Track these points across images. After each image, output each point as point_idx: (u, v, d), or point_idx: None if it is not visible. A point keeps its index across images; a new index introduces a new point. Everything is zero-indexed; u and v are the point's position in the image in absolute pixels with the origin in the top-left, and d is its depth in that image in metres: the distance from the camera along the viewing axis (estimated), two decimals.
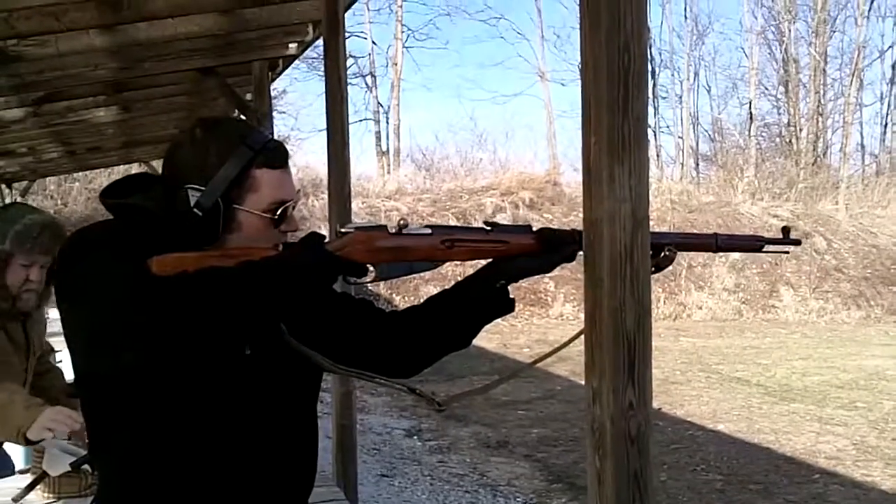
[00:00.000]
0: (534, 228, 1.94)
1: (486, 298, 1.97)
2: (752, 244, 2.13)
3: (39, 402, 2.93)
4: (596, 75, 1.88)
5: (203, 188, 1.67)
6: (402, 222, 1.81)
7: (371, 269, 1.82)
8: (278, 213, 1.75)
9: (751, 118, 33.67)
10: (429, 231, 1.83)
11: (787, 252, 2.19)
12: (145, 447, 1.69)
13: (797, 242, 2.15)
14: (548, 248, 1.89)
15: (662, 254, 1.92)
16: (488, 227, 1.89)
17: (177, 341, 1.51)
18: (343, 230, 1.79)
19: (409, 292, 19.41)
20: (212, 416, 1.71)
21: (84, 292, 1.58)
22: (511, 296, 1.98)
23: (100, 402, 1.72)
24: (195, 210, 1.67)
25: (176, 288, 1.53)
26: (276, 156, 1.76)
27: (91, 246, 1.63)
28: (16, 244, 3.06)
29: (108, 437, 1.73)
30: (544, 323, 18.77)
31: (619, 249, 1.84)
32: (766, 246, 2.12)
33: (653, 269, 1.92)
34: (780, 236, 2.11)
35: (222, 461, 1.73)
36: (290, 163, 1.85)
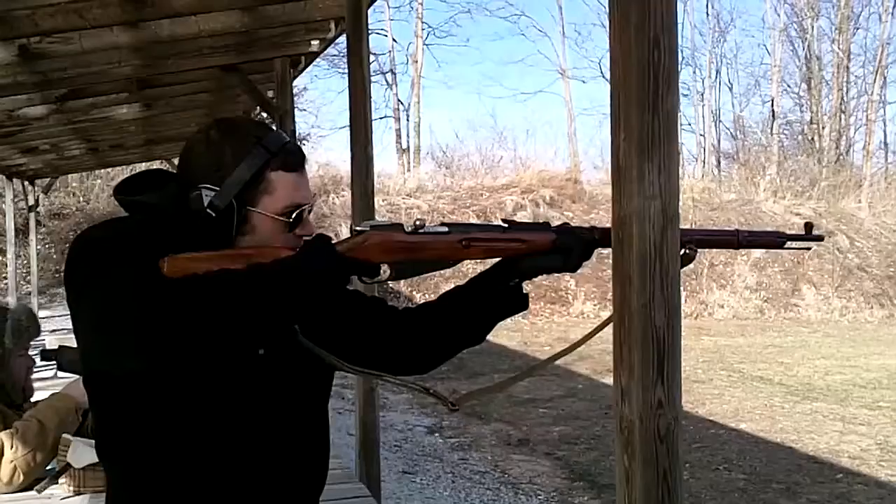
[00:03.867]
0: (552, 225, 1.92)
1: (500, 295, 1.96)
2: (775, 240, 2.10)
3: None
4: (625, 70, 1.86)
5: (217, 189, 1.65)
6: (418, 222, 1.79)
7: (385, 268, 1.79)
8: (293, 216, 1.72)
9: (773, 116, 33.51)
10: (445, 230, 1.80)
11: (809, 248, 2.17)
12: (156, 448, 1.67)
13: (820, 238, 2.12)
14: (565, 248, 1.87)
15: (683, 251, 1.90)
16: (506, 225, 1.87)
17: (183, 342, 1.49)
18: (359, 228, 1.76)
19: (429, 289, 19.40)
20: (224, 417, 1.70)
21: (89, 291, 1.55)
22: (525, 292, 1.97)
23: (109, 402, 1.70)
24: (209, 211, 1.65)
25: (184, 290, 1.51)
26: (293, 158, 1.74)
27: (96, 244, 1.62)
28: (14, 339, 3.26)
29: (117, 437, 1.71)
30: (565, 321, 18.73)
31: (649, 247, 1.82)
32: (788, 242, 2.09)
33: None
34: (803, 232, 2.09)
35: (234, 461, 1.72)
36: (308, 164, 1.82)
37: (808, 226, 2.09)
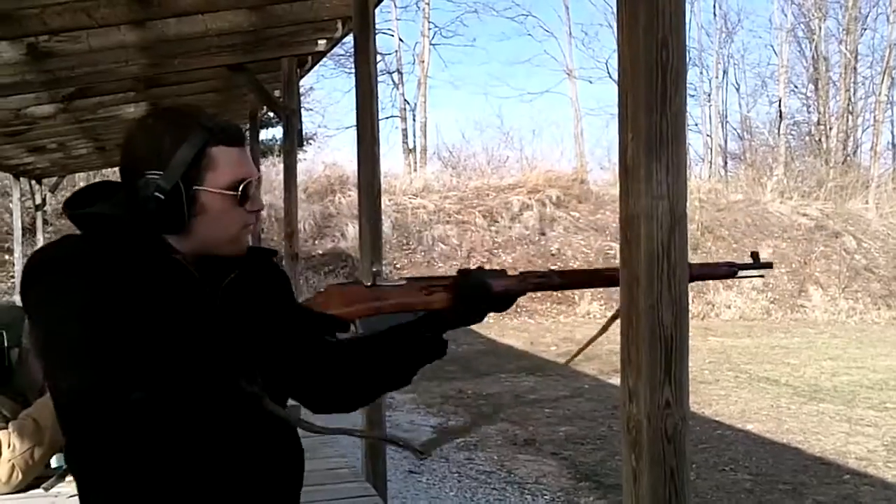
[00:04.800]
0: (507, 273, 1.92)
1: (417, 345, 1.95)
2: (727, 271, 2.14)
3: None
4: (633, 71, 1.86)
5: (161, 172, 1.66)
6: (375, 271, 1.84)
7: (356, 324, 1.82)
8: (240, 189, 1.72)
9: (780, 116, 33.44)
10: (403, 282, 1.81)
11: (762, 276, 2.21)
12: (121, 465, 1.66)
13: (769, 266, 2.15)
14: (463, 302, 1.86)
15: None
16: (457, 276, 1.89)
17: (126, 367, 1.52)
18: (320, 290, 1.80)
19: None
20: (189, 437, 1.68)
21: (36, 316, 1.59)
22: (445, 338, 1.96)
23: (72, 427, 1.70)
24: (157, 194, 1.65)
25: (131, 317, 1.56)
26: (232, 134, 1.74)
27: (45, 267, 1.63)
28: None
29: (86, 452, 1.70)
30: (571, 321, 18.72)
31: (656, 247, 1.82)
32: (740, 272, 2.14)
33: None
34: (752, 261, 2.14)
35: (202, 477, 1.70)
36: (247, 143, 1.84)
37: (755, 255, 2.14)
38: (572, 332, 17.05)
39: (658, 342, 1.83)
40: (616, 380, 11.07)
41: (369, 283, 1.80)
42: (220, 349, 1.71)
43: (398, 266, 19.69)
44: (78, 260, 1.62)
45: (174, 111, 1.80)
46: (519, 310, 19.15)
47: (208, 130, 1.69)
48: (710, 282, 20.20)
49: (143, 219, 1.68)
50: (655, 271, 1.82)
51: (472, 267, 1.93)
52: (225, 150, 1.71)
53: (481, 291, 1.85)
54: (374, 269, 1.86)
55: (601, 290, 19.55)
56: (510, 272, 1.95)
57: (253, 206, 1.75)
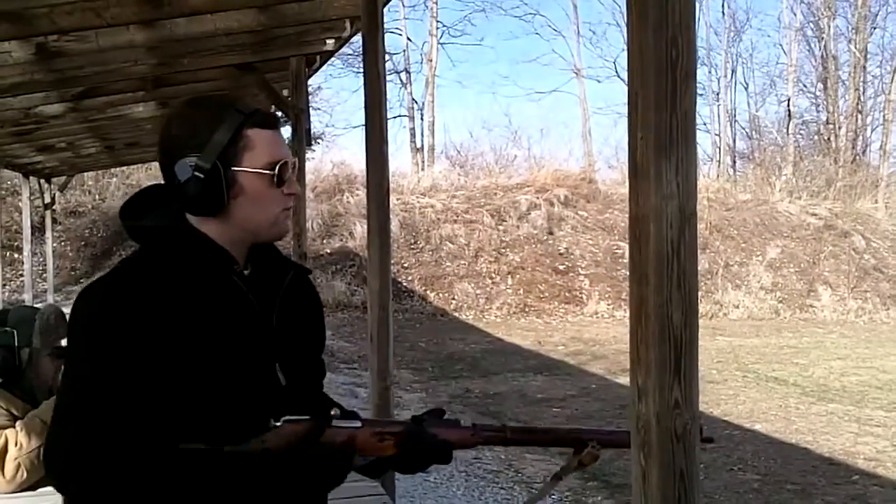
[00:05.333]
0: (460, 424, 1.89)
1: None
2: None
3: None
4: (643, 70, 1.85)
5: (199, 153, 1.69)
6: (333, 412, 1.81)
7: None
8: (277, 169, 1.74)
9: (789, 116, 33.38)
10: (358, 424, 1.78)
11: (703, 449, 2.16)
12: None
13: (709, 440, 2.11)
14: (410, 456, 1.82)
15: (586, 450, 1.92)
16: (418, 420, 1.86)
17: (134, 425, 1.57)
18: (277, 423, 1.73)
19: (443, 289, 19.43)
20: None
21: (69, 355, 1.66)
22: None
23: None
24: (196, 174, 1.68)
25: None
26: (267, 117, 1.79)
27: (86, 307, 1.67)
28: (43, 339, 3.28)
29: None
30: (579, 321, 18.70)
31: (666, 246, 1.82)
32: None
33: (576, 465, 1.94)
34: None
35: None
36: (281, 131, 1.87)
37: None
38: (580, 331, 17.04)
39: (667, 341, 1.82)
40: (623, 379, 11.05)
41: (328, 422, 1.78)
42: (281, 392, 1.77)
43: (406, 265, 19.69)
44: (115, 306, 1.63)
45: (208, 97, 1.84)
46: (527, 309, 19.15)
47: (243, 113, 1.73)
48: (719, 281, 20.20)
49: (184, 202, 1.72)
50: (665, 270, 1.81)
51: (423, 415, 1.88)
52: (261, 132, 1.74)
53: (429, 449, 1.82)
54: (333, 412, 1.82)
55: (610, 288, 19.58)
56: (463, 420, 1.93)
57: (290, 189, 1.78)
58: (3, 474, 3.21)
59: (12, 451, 3.21)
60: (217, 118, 1.71)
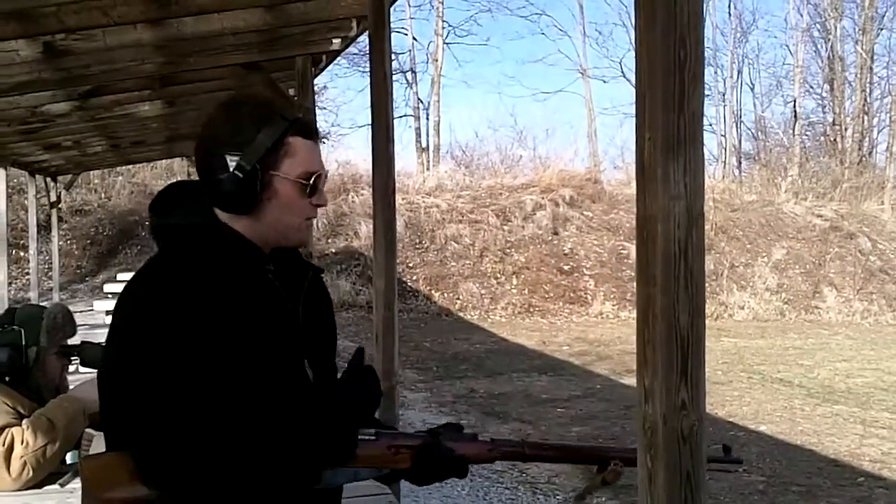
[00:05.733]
0: (480, 438, 1.92)
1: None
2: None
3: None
4: (651, 70, 1.85)
5: (240, 153, 1.71)
6: None
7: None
8: (311, 180, 1.78)
9: (795, 116, 33.31)
10: (373, 437, 1.81)
11: (729, 471, 2.17)
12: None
13: (738, 462, 2.13)
14: (426, 470, 1.86)
15: (609, 468, 1.93)
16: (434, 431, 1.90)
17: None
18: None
19: (448, 289, 19.42)
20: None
21: (151, 377, 1.63)
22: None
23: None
24: (236, 172, 1.71)
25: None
26: (310, 127, 1.82)
27: (155, 323, 1.66)
28: (50, 337, 3.32)
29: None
30: (584, 321, 18.68)
31: (673, 247, 1.82)
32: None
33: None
34: (722, 454, 2.11)
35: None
36: (323, 148, 1.92)
37: (727, 448, 2.11)
38: (585, 331, 17.02)
39: (674, 343, 1.82)
40: (628, 380, 11.05)
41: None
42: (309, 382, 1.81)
43: (411, 265, 19.69)
44: (180, 312, 1.65)
45: (256, 98, 1.85)
46: (531, 309, 19.14)
47: (289, 120, 1.76)
48: (724, 282, 20.16)
49: (218, 197, 1.75)
50: (672, 271, 1.81)
51: (439, 428, 1.92)
52: (302, 142, 1.78)
53: (445, 463, 1.85)
54: None
55: (615, 288, 19.56)
56: (480, 435, 1.94)
57: (319, 200, 1.82)
58: (10, 472, 3.22)
59: (18, 450, 3.22)
60: (263, 120, 1.74)
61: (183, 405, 1.59)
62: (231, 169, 1.71)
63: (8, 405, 3.29)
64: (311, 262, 2.00)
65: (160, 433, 1.59)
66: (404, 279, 18.74)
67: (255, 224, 1.77)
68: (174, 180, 1.89)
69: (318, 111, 8.47)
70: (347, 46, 7.56)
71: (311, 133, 1.81)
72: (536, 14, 45.79)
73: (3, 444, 3.19)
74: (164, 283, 1.69)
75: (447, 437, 1.87)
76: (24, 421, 3.27)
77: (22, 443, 3.22)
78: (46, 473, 3.29)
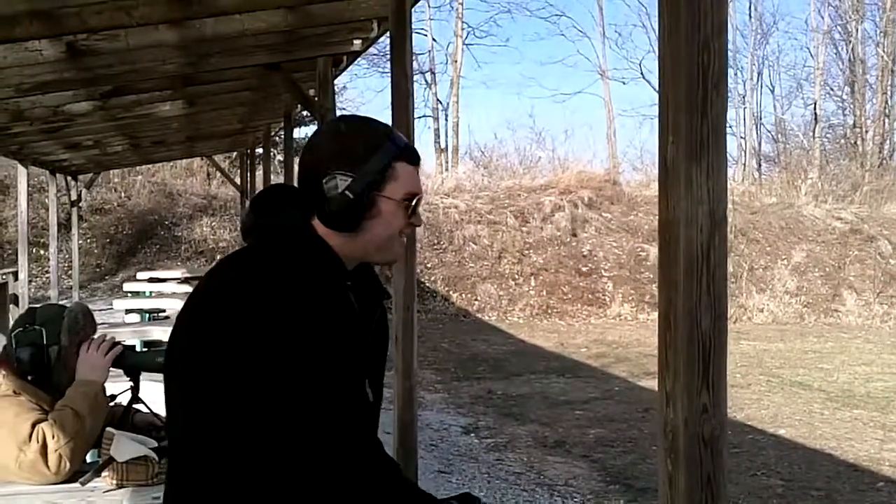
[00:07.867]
0: None
1: None
2: None
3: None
4: (674, 74, 1.85)
5: (353, 175, 1.77)
6: None
7: None
8: (413, 201, 1.86)
9: (815, 119, 33.17)
10: None
11: None
12: None
13: None
14: None
15: None
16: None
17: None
18: None
19: (466, 290, 19.42)
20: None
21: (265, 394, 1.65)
22: None
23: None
24: (347, 193, 1.77)
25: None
26: (415, 154, 1.90)
27: (228, 321, 1.67)
28: (70, 336, 3.35)
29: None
30: (602, 323, 18.65)
31: (696, 251, 1.81)
32: None
33: None
34: None
35: None
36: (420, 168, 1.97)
37: None
38: (603, 333, 16.98)
39: (696, 347, 1.82)
40: (646, 382, 11.02)
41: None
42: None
43: (429, 266, 19.70)
44: (257, 314, 1.66)
45: (367, 121, 1.92)
46: (549, 311, 19.12)
47: (399, 147, 1.84)
48: (744, 284, 20.08)
49: (323, 214, 1.80)
50: (695, 275, 1.81)
51: (452, 499, 1.90)
52: (407, 167, 1.85)
53: None
54: None
55: (633, 290, 19.51)
56: None
57: (416, 221, 1.90)
58: (48, 467, 3.24)
59: (51, 444, 3.24)
60: (375, 146, 1.81)
61: (260, 450, 1.63)
62: (340, 189, 1.77)
63: (32, 402, 3.32)
64: (385, 287, 2.05)
65: (231, 469, 1.64)
66: (422, 280, 18.75)
67: (349, 241, 1.82)
68: (276, 182, 1.92)
69: (337, 112, 8.48)
70: (368, 47, 7.58)
71: (417, 159, 1.89)
72: (556, 15, 45.96)
73: (38, 442, 3.21)
74: (255, 289, 1.70)
75: None
76: (50, 415, 3.29)
77: (53, 437, 3.24)
78: (82, 460, 3.32)
